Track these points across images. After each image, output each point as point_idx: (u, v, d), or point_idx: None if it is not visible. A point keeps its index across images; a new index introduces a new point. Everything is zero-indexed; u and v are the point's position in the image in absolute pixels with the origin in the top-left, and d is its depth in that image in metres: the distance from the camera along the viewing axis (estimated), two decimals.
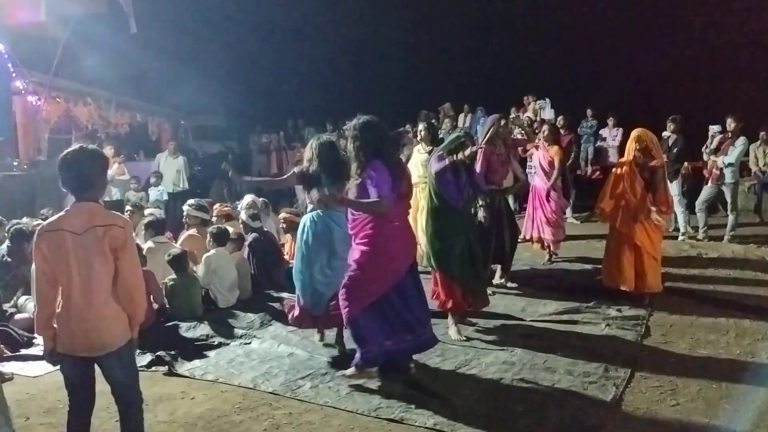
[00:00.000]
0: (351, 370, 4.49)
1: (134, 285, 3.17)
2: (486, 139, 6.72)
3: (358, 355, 4.46)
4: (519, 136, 10.10)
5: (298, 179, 5.33)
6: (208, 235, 6.84)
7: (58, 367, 4.95)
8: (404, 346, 4.56)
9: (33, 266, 5.90)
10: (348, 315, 4.41)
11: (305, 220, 5.24)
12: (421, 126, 8.09)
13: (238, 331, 5.85)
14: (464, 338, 5.46)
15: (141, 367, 4.44)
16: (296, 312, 5.26)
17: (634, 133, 6.45)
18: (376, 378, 4.50)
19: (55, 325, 3.05)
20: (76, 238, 2.98)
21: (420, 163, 7.60)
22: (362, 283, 4.40)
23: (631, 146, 6.44)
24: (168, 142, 14.12)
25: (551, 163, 8.14)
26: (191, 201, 7.85)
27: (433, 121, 13.59)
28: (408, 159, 8.17)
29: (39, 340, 5.61)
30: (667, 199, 6.45)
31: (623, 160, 6.59)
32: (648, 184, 6.29)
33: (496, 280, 7.10)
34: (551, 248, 8.27)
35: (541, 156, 8.26)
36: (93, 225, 3.01)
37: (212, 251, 6.66)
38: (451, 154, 5.48)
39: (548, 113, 13.05)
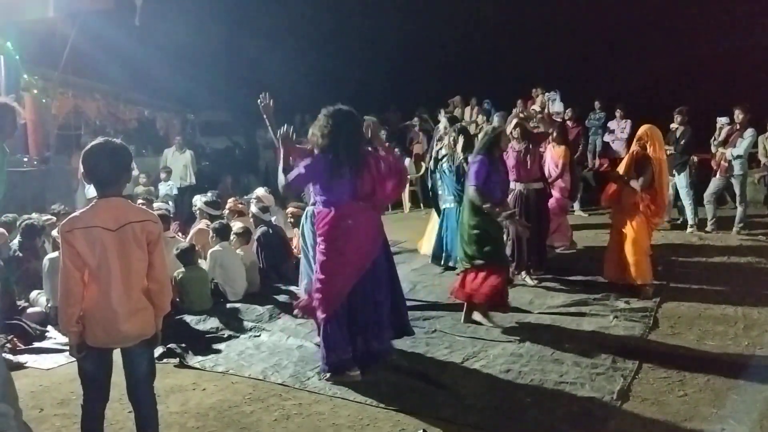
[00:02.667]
0: (327, 376, 4.51)
1: (165, 277, 3.31)
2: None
3: (324, 363, 4.51)
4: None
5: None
6: (211, 230, 6.92)
7: (70, 360, 5.03)
8: (370, 349, 4.57)
9: (44, 262, 6.03)
10: (323, 318, 4.45)
11: (305, 213, 5.26)
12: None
13: (248, 324, 5.89)
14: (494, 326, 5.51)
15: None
16: (303, 302, 5.33)
17: (640, 130, 6.52)
18: (359, 378, 4.47)
19: (80, 321, 3.07)
20: (111, 234, 3.02)
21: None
22: (326, 285, 4.43)
23: (635, 142, 6.51)
24: (175, 138, 14.17)
25: (557, 164, 8.26)
26: (206, 197, 7.91)
27: (425, 115, 13.69)
28: (419, 152, 8.23)
29: (52, 333, 5.70)
30: (660, 198, 6.43)
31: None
32: (637, 176, 6.32)
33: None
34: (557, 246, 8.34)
35: (548, 156, 8.34)
36: (129, 221, 3.06)
37: (217, 246, 6.71)
38: (490, 150, 5.48)
39: (557, 106, 13.00)
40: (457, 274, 5.81)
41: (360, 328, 4.52)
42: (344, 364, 4.46)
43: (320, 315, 4.48)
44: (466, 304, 5.68)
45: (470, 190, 5.51)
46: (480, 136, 5.69)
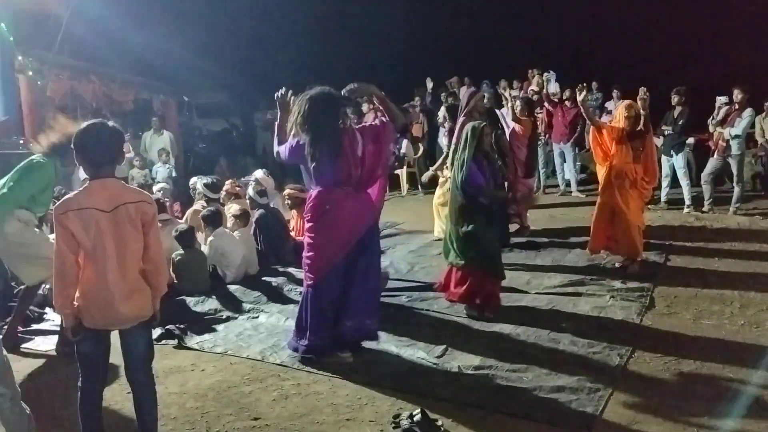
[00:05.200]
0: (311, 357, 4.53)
1: (161, 257, 3.30)
2: (465, 112, 6.73)
3: (301, 346, 4.52)
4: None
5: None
6: (201, 218, 6.89)
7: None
8: (343, 331, 4.50)
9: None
10: (312, 281, 4.46)
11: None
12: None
13: (246, 306, 5.91)
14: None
15: None
16: None
17: (626, 102, 6.62)
18: (351, 360, 4.51)
19: (76, 303, 3.07)
20: (105, 216, 3.01)
21: None
22: (313, 258, 4.45)
23: (621, 114, 6.56)
24: (173, 119, 14.06)
25: (524, 137, 8.46)
26: (205, 180, 7.90)
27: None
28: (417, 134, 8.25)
29: (50, 315, 5.71)
30: (654, 170, 6.64)
31: (614, 125, 6.63)
32: (636, 153, 6.37)
33: None
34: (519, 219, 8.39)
35: (517, 128, 8.52)
36: (124, 202, 3.06)
37: (215, 234, 6.69)
38: (478, 149, 5.41)
39: (553, 86, 12.95)
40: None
41: (349, 308, 4.49)
42: (324, 347, 4.48)
43: (308, 284, 4.50)
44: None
45: (473, 191, 5.41)
46: (462, 139, 5.57)
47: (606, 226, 6.59)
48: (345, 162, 4.36)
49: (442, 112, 8.46)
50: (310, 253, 4.48)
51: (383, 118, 4.60)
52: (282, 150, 4.61)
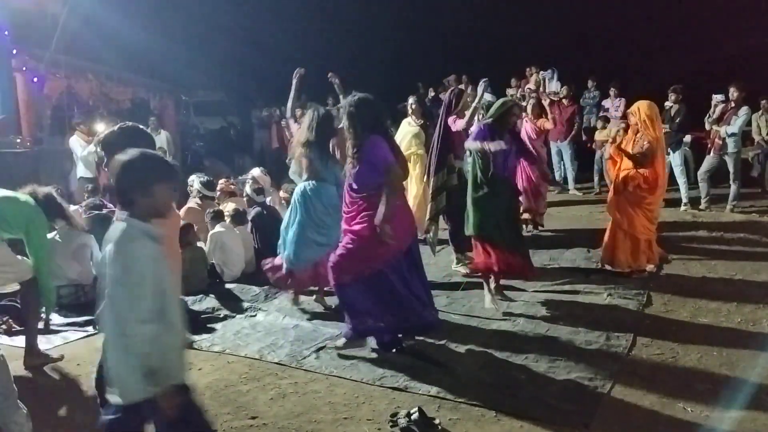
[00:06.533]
0: (341, 341, 4.60)
1: None
2: (455, 112, 6.70)
3: (348, 326, 4.54)
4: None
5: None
6: (206, 215, 6.94)
7: (66, 340, 5.06)
8: (405, 326, 4.54)
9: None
10: (335, 282, 4.48)
11: (315, 188, 5.36)
12: (411, 100, 8.18)
13: (244, 304, 5.91)
14: (498, 310, 5.40)
15: None
16: (280, 274, 5.52)
17: (632, 107, 6.35)
18: (366, 347, 4.56)
19: None
20: None
21: (411, 135, 7.76)
22: (356, 256, 4.41)
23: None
24: (150, 118, 14.03)
25: (536, 136, 8.46)
26: (202, 178, 7.90)
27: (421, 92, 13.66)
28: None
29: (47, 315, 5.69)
30: (654, 176, 6.13)
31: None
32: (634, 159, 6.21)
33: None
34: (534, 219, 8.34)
35: (526, 130, 8.44)
36: None
37: (218, 228, 6.72)
38: (498, 121, 5.42)
39: (554, 85, 12.89)
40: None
41: (390, 307, 4.44)
42: (368, 331, 4.54)
43: (338, 279, 4.48)
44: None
45: (469, 145, 5.50)
46: (494, 105, 5.64)
47: (610, 240, 6.38)
48: (402, 158, 4.72)
49: (411, 99, 8.31)
50: (352, 245, 4.42)
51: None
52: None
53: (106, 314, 2.41)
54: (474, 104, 6.52)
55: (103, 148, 3.05)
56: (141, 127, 3.19)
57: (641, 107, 6.18)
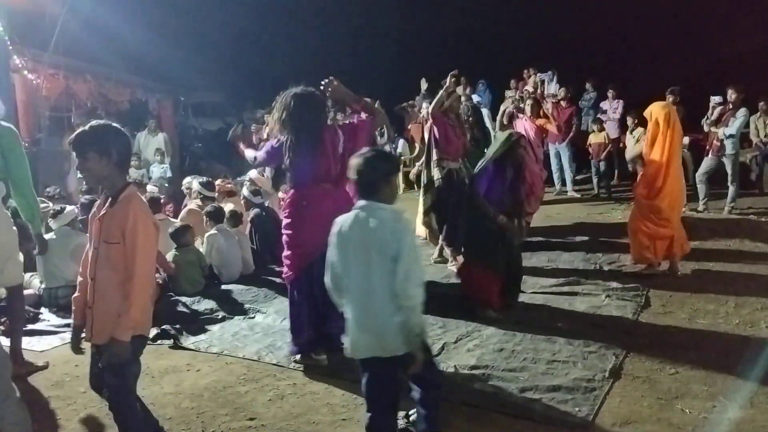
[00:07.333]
0: (295, 358, 4.57)
1: None
2: (440, 108, 6.77)
3: (290, 344, 4.56)
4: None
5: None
6: (204, 214, 6.91)
7: (64, 342, 5.05)
8: (331, 332, 4.30)
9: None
10: (289, 285, 4.54)
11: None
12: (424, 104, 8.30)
13: (242, 306, 5.92)
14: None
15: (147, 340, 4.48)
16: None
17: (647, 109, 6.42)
18: (325, 363, 4.48)
19: None
20: None
21: None
22: (291, 256, 4.50)
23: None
24: (149, 120, 14.05)
25: (537, 133, 8.51)
26: (200, 179, 7.92)
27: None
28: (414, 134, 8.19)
29: (45, 315, 5.71)
30: (649, 182, 6.24)
31: None
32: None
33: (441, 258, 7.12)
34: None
35: (527, 127, 8.44)
36: None
37: (213, 230, 6.72)
38: (505, 158, 5.37)
39: (553, 87, 12.89)
40: None
41: (319, 315, 4.41)
42: (306, 346, 4.48)
43: (288, 283, 4.56)
44: None
45: (472, 193, 5.51)
46: (494, 142, 5.66)
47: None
48: (325, 159, 4.37)
49: (420, 101, 8.43)
50: (288, 252, 4.50)
51: (364, 115, 4.54)
52: (260, 154, 4.72)
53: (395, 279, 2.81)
54: (441, 92, 6.59)
55: (75, 148, 3.01)
56: (114, 125, 3.12)
57: (652, 109, 6.30)
